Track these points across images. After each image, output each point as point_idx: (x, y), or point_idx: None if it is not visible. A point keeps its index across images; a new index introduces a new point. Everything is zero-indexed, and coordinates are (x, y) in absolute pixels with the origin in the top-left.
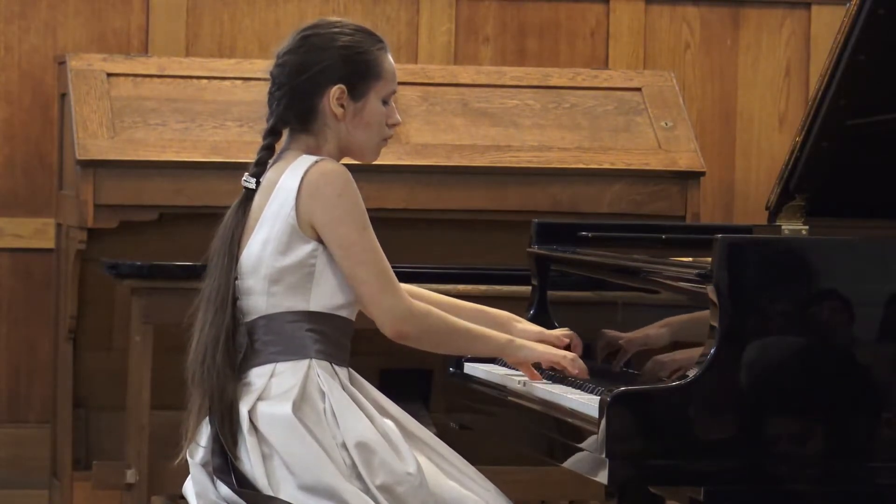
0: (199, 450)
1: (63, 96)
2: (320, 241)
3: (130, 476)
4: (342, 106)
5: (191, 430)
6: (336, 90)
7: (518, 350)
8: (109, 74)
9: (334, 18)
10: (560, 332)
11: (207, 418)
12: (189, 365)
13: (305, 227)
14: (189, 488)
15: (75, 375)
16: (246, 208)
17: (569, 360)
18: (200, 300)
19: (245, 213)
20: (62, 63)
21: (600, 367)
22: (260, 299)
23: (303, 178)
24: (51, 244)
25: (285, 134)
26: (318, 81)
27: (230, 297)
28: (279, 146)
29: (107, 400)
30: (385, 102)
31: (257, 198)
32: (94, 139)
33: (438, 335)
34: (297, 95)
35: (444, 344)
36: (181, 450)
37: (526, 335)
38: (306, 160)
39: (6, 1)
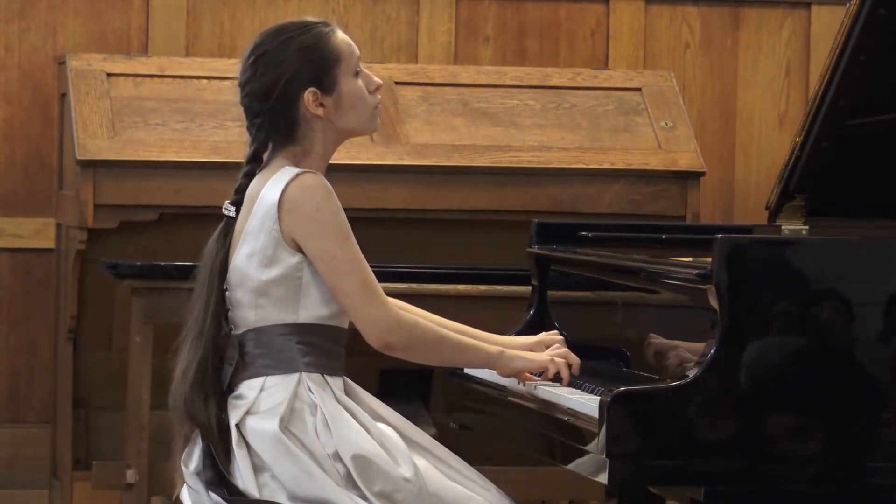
0: (192, 459)
1: (63, 96)
2: (304, 252)
3: (130, 476)
4: (321, 105)
5: (176, 456)
6: (308, 95)
7: (511, 361)
8: (109, 74)
9: (275, 25)
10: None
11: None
12: (171, 394)
13: (289, 240)
14: (185, 496)
15: (75, 375)
16: (227, 237)
17: (560, 361)
18: (187, 332)
19: (226, 242)
20: (62, 63)
21: (600, 367)
22: (248, 312)
23: (282, 193)
24: (51, 244)
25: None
26: (288, 96)
27: (210, 328)
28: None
29: (107, 400)
30: (356, 74)
31: (241, 209)
32: (94, 139)
33: (426, 346)
34: (274, 117)
35: (433, 355)
36: (173, 468)
37: (520, 349)
38: (287, 173)
39: (6, 1)
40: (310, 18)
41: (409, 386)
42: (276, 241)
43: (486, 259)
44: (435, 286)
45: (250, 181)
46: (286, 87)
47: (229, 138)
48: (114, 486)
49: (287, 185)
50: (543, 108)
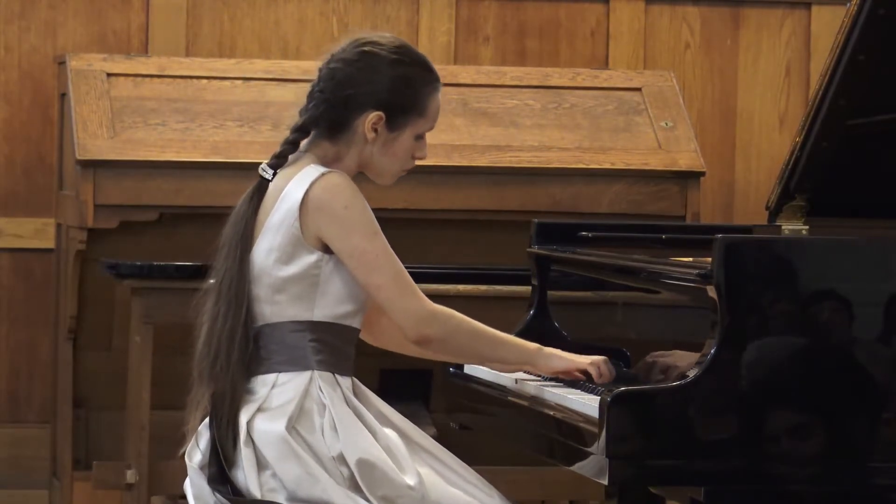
0: (196, 453)
1: (63, 96)
2: (325, 251)
3: (130, 476)
4: (375, 131)
5: (193, 427)
6: (374, 116)
7: (549, 360)
8: (109, 74)
9: (400, 40)
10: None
11: (206, 420)
12: (198, 358)
13: (311, 238)
14: (188, 489)
15: (75, 375)
16: (259, 198)
17: (601, 363)
18: (210, 289)
19: (258, 202)
20: (62, 63)
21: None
22: (264, 307)
23: (307, 192)
24: (51, 244)
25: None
26: (360, 101)
27: (245, 290)
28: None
29: (107, 400)
30: (419, 137)
31: (264, 202)
32: (94, 139)
33: (463, 339)
34: (335, 106)
35: (469, 349)
36: (184, 444)
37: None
38: (313, 171)
39: (6, 1)
40: (430, 63)
41: (409, 386)
42: (296, 240)
43: (486, 259)
44: (435, 286)
45: (292, 150)
46: (364, 94)
47: (229, 138)
48: (114, 486)
49: (312, 184)
50: (543, 108)
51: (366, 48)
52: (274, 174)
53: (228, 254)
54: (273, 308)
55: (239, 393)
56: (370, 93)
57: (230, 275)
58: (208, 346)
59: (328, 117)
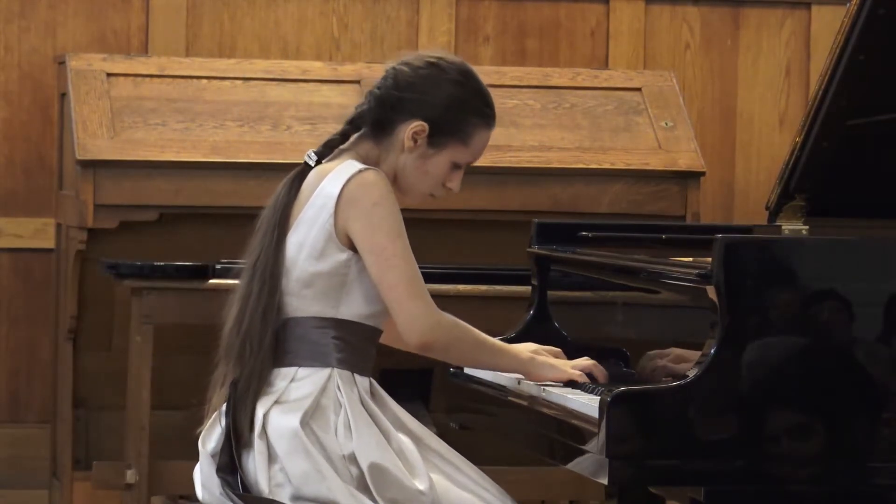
0: (211, 439)
1: (63, 96)
2: (354, 249)
3: (130, 476)
4: (415, 141)
5: (214, 406)
6: (418, 125)
7: (541, 368)
8: (109, 74)
9: (469, 67)
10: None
11: (225, 406)
12: (226, 338)
13: (342, 235)
14: (197, 474)
15: (75, 375)
16: (300, 184)
17: (593, 366)
18: (244, 268)
19: (298, 188)
20: (62, 63)
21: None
22: (291, 300)
23: (343, 188)
24: (51, 244)
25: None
26: (410, 108)
27: (280, 273)
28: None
29: (107, 400)
30: (456, 166)
31: (299, 195)
32: (94, 139)
33: (464, 347)
34: (385, 105)
35: (469, 357)
36: (203, 418)
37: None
38: (350, 167)
39: (6, 1)
40: (490, 97)
41: (410, 386)
42: (328, 236)
43: (486, 259)
44: (435, 286)
45: (341, 141)
46: (416, 102)
47: (229, 138)
48: (114, 486)
49: (348, 180)
50: (543, 108)
51: (434, 60)
52: (317, 162)
53: (265, 235)
54: (299, 302)
55: (262, 382)
56: (422, 102)
57: (266, 255)
58: (238, 325)
59: (376, 115)
